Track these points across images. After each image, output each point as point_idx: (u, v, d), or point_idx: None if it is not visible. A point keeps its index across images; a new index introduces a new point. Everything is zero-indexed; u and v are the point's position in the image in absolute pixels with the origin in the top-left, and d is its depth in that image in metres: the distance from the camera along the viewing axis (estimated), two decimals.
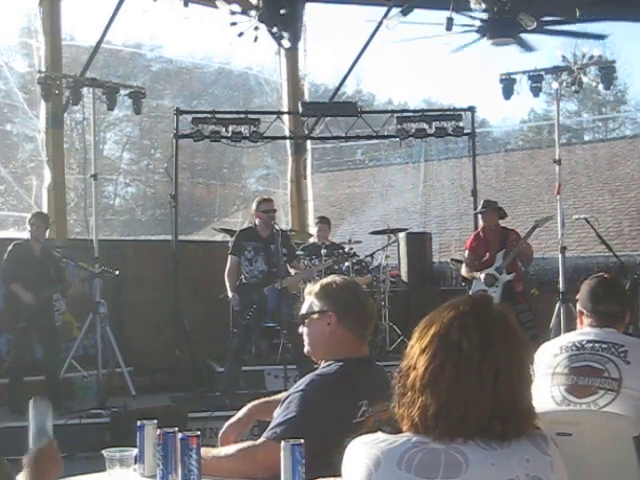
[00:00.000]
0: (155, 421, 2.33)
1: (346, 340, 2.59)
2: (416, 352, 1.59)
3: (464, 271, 7.69)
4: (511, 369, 1.55)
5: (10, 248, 7.06)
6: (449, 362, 1.54)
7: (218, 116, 9.20)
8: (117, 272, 7.54)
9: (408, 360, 1.60)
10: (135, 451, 2.29)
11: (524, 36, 8.04)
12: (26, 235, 7.20)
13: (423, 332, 1.60)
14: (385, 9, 9.93)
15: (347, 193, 17.24)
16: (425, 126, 9.45)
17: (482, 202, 7.80)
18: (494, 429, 1.52)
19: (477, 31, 8.07)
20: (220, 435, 2.73)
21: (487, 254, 7.46)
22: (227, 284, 6.87)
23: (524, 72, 8.54)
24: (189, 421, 6.20)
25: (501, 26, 7.94)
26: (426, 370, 1.55)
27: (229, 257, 6.95)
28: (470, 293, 7.35)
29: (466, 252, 7.73)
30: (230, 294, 6.87)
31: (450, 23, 7.91)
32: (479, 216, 7.80)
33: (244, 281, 6.92)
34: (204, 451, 2.21)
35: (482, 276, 7.35)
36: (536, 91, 8.56)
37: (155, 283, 8.79)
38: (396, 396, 1.60)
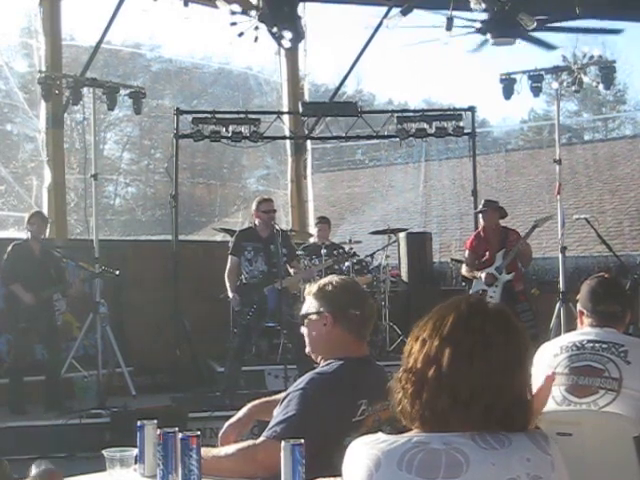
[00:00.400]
0: (155, 421, 2.33)
1: (344, 340, 2.59)
2: (434, 344, 1.56)
3: (464, 270, 7.70)
4: (513, 365, 1.55)
5: (10, 248, 7.04)
6: (476, 346, 1.53)
7: (218, 116, 9.19)
8: (117, 272, 7.55)
9: (424, 355, 1.57)
10: (135, 451, 2.29)
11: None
12: (26, 235, 7.20)
13: (437, 323, 1.58)
14: (385, 9, 9.93)
15: (347, 193, 17.24)
16: (425, 126, 9.43)
17: (482, 202, 7.81)
18: (494, 425, 1.52)
19: (477, 31, 8.07)
20: (220, 435, 2.73)
21: (487, 253, 7.47)
22: (227, 284, 6.87)
23: (524, 72, 8.54)
24: (189, 421, 6.20)
25: (501, 26, 7.94)
26: (453, 357, 1.53)
27: (229, 257, 6.95)
28: (470, 293, 7.36)
29: (466, 252, 7.74)
30: (230, 294, 6.88)
31: (450, 23, 7.91)
32: (479, 215, 7.80)
33: (244, 281, 6.92)
34: (204, 451, 2.21)
35: (482, 275, 7.36)
36: (536, 91, 8.56)
37: (155, 283, 8.79)
38: (408, 396, 1.57)
